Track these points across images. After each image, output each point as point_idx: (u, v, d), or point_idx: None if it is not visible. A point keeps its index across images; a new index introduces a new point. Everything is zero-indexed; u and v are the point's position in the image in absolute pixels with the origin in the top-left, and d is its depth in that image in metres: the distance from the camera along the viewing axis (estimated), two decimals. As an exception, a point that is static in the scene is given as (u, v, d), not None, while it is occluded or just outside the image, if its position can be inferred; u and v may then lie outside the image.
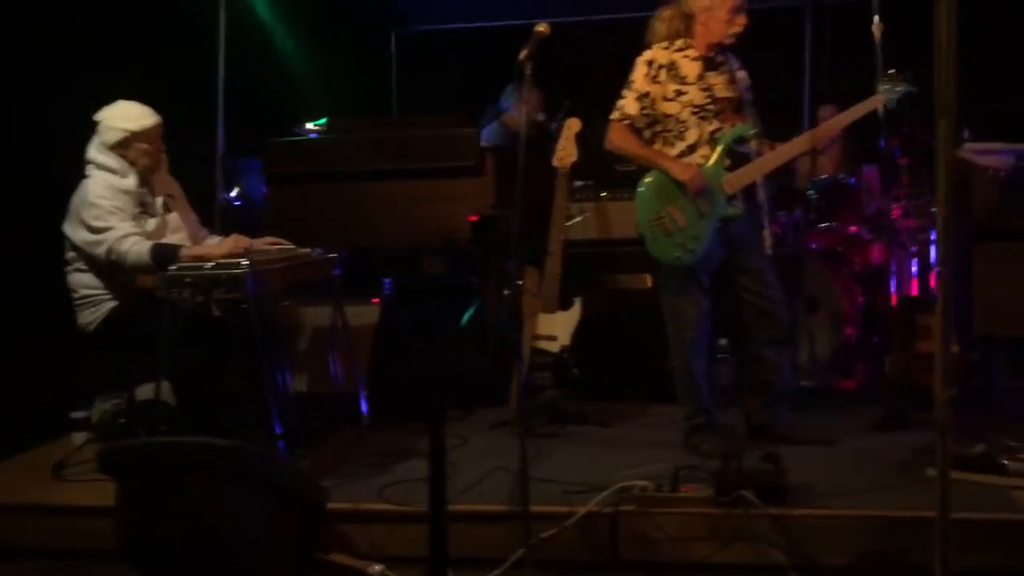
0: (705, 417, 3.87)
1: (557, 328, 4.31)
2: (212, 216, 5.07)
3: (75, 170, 3.85)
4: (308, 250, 4.01)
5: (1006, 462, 3.36)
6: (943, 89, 2.43)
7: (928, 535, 2.59)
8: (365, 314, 4.48)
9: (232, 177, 5.44)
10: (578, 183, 4.77)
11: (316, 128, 5.02)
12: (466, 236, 4.56)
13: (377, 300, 4.61)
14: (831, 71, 6.10)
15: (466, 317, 5.16)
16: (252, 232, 4.04)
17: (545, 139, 4.78)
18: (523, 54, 3.61)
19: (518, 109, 5.45)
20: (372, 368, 4.39)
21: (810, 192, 4.85)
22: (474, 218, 4.51)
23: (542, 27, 3.84)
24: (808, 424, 4.06)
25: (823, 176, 5.01)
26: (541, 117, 5.22)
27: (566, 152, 4.35)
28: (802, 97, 6.44)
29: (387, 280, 5.29)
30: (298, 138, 4.97)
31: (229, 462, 2.94)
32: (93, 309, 3.74)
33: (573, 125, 4.37)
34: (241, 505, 2.96)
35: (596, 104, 4.10)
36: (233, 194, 5.44)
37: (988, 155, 4.32)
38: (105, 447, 3.14)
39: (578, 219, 4.66)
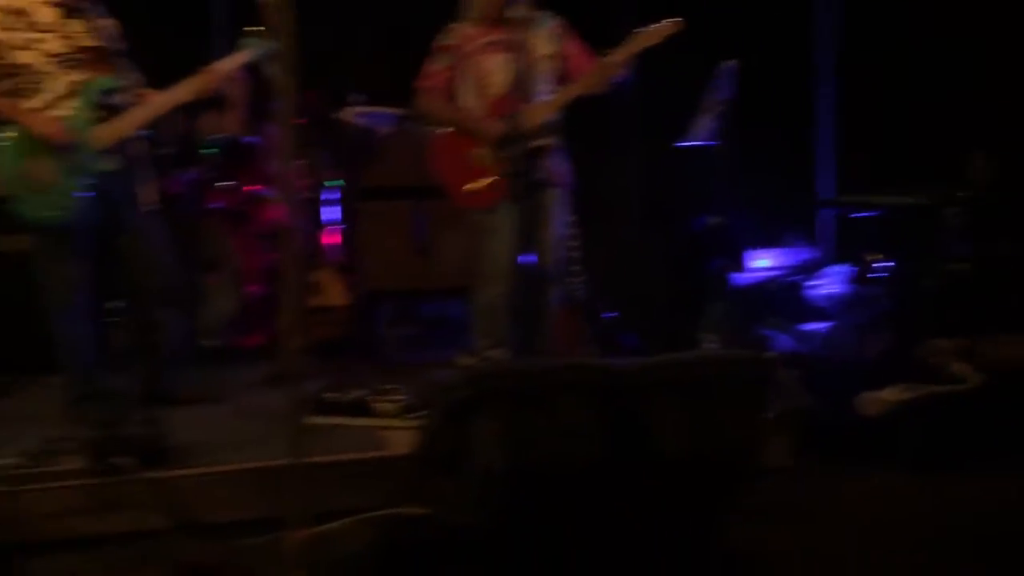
0: (89, 385, 3.68)
1: None
2: None
3: None
4: None
5: (376, 404, 3.62)
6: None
7: (307, 480, 2.73)
8: None
9: None
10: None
11: None
12: None
13: None
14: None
15: None
16: None
17: None
18: None
19: None
20: None
21: (209, 151, 4.80)
22: None
23: None
24: (203, 384, 4.04)
25: (224, 135, 4.99)
26: None
27: None
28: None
29: None
30: None
31: None
32: None
33: None
34: None
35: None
36: None
37: (370, 118, 4.61)
38: None
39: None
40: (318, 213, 4.81)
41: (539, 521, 2.94)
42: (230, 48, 4.22)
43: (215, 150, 4.84)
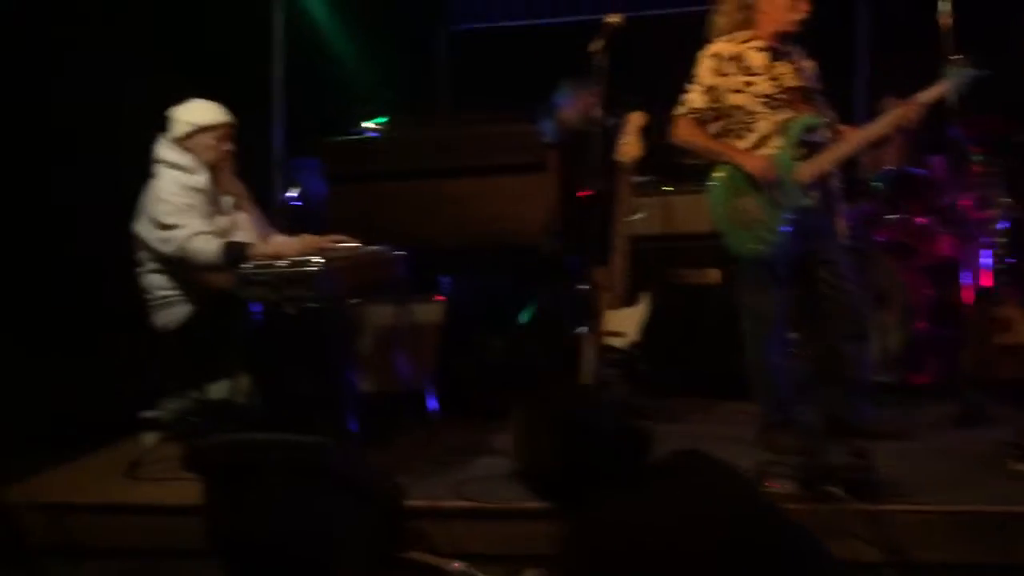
0: (782, 413, 3.81)
1: (623, 324, 4.26)
2: (271, 216, 5.07)
3: (138, 171, 3.87)
4: (376, 248, 3.99)
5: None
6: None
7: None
8: (429, 312, 4.45)
9: (291, 177, 5.43)
10: (640, 178, 4.72)
11: (377, 127, 5.00)
12: (533, 232, 4.50)
13: (441, 298, 4.58)
14: (889, 63, 6.01)
15: (525, 314, 5.12)
16: (313, 231, 4.03)
17: (602, 135, 4.73)
18: (596, 46, 3.56)
19: (574, 106, 5.40)
20: (438, 366, 4.37)
21: (876, 184, 4.77)
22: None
23: (614, 18, 3.80)
24: (884, 419, 3.98)
25: (887, 167, 4.94)
26: (599, 113, 5.17)
27: (629, 146, 4.30)
28: (854, 90, 6.35)
29: (445, 279, 5.27)
30: (360, 137, 4.95)
31: (314, 460, 2.92)
32: (168, 310, 3.75)
33: (636, 119, 4.31)
34: (324, 503, 2.95)
35: (658, 98, 4.08)
36: (292, 194, 5.43)
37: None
38: (191, 445, 3.13)
39: (641, 215, 4.60)
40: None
41: None
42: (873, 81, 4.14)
43: (880, 184, 4.80)
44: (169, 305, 3.76)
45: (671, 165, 4.60)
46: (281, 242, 3.89)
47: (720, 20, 3.79)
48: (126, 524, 3.51)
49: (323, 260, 3.47)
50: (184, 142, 3.80)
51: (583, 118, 5.36)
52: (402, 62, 6.51)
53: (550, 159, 4.56)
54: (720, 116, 3.74)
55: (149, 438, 4.08)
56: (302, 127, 5.48)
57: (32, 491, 3.68)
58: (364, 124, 5.01)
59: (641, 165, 4.37)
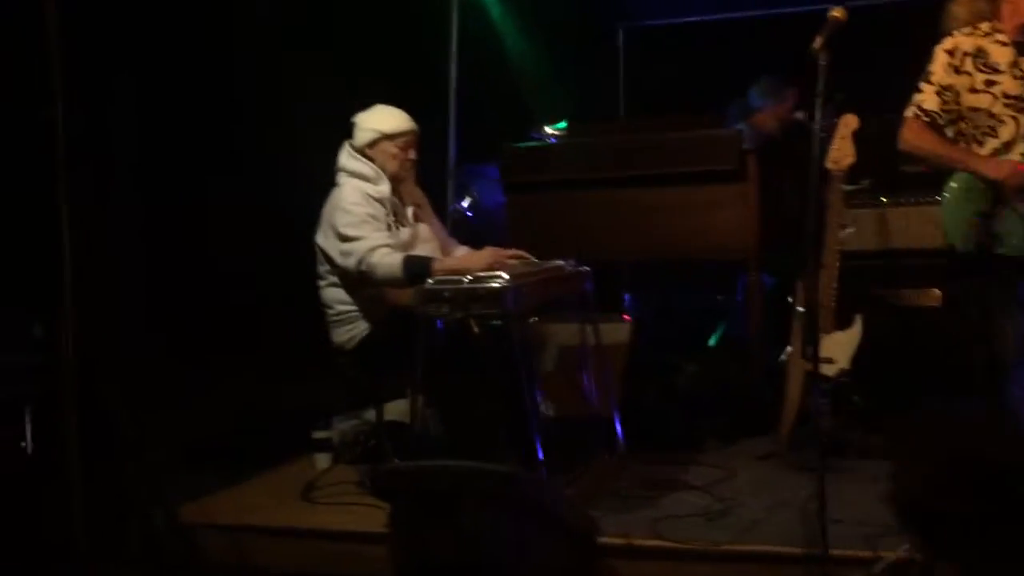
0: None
1: (833, 350, 3.86)
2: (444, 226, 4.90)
3: (317, 183, 3.74)
4: (560, 263, 3.72)
5: None
6: None
7: None
8: (617, 332, 4.15)
9: (464, 185, 5.24)
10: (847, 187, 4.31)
11: (556, 132, 4.74)
12: (730, 246, 4.14)
13: (628, 317, 4.28)
14: None
15: (714, 338, 4.78)
16: (486, 242, 3.80)
17: (804, 140, 4.34)
18: (817, 42, 3.21)
19: (772, 108, 5.01)
20: (625, 391, 4.07)
21: None
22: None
23: (838, 12, 3.43)
24: None
25: None
26: (800, 116, 4.78)
27: (842, 153, 3.88)
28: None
29: (627, 296, 4.98)
30: (538, 144, 4.70)
31: (505, 488, 2.71)
32: (349, 327, 3.57)
33: (850, 123, 3.89)
34: (515, 533, 2.74)
35: (870, 98, 3.70)
36: (465, 204, 5.23)
37: None
38: (378, 471, 2.96)
39: (850, 229, 4.19)
40: None
41: None
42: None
43: None
44: (348, 321, 3.57)
45: (885, 173, 4.17)
46: (466, 255, 3.66)
47: (958, 10, 3.40)
48: (303, 548, 3.38)
49: (509, 276, 3.22)
50: (367, 150, 3.62)
51: (783, 121, 4.99)
52: (580, 62, 6.24)
53: (749, 166, 4.18)
54: (956, 119, 3.34)
55: (322, 460, 3.95)
56: (477, 133, 5.29)
57: (207, 510, 3.58)
58: (545, 129, 4.75)
59: (854, 173, 3.96)
